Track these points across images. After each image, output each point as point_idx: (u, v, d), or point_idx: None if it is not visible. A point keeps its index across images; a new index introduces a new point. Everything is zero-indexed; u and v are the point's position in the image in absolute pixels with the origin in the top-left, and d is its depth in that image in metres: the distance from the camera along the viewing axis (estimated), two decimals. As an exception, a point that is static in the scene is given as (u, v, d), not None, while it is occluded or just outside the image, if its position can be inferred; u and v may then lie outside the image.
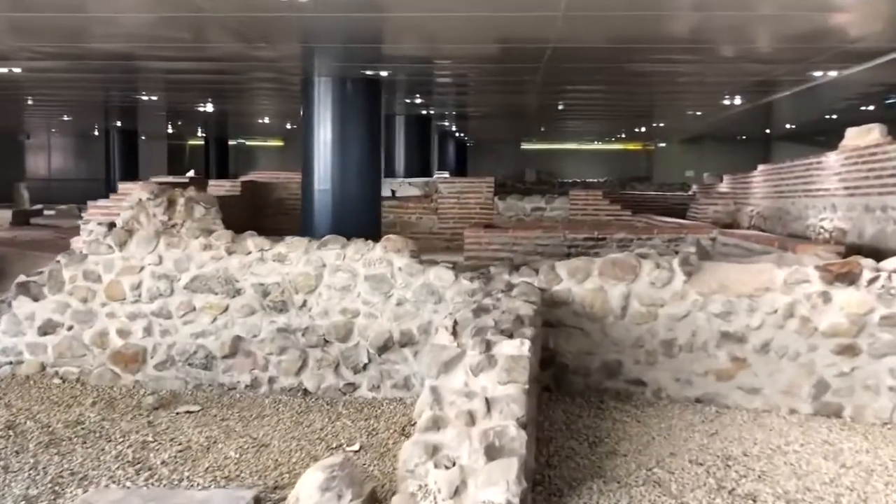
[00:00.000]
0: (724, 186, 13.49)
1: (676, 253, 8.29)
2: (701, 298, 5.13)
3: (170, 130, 24.29)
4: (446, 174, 17.68)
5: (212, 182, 13.64)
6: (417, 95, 12.58)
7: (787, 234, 9.25)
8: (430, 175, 15.01)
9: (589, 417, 4.92)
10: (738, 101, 12.32)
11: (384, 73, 9.01)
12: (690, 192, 16.65)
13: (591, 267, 5.29)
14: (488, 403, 3.59)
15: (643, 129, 22.53)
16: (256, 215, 12.75)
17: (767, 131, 27.00)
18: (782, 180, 9.80)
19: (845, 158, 7.81)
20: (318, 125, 9.29)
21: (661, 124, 20.54)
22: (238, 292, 5.65)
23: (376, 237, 10.03)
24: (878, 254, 6.93)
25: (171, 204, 5.73)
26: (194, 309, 5.70)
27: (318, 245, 5.60)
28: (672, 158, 32.66)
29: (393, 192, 13.11)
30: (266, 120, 18.63)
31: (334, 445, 4.63)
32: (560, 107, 14.53)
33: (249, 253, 5.66)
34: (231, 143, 31.21)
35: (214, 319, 5.68)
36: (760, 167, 11.15)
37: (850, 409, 4.98)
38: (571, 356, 5.31)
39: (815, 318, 4.98)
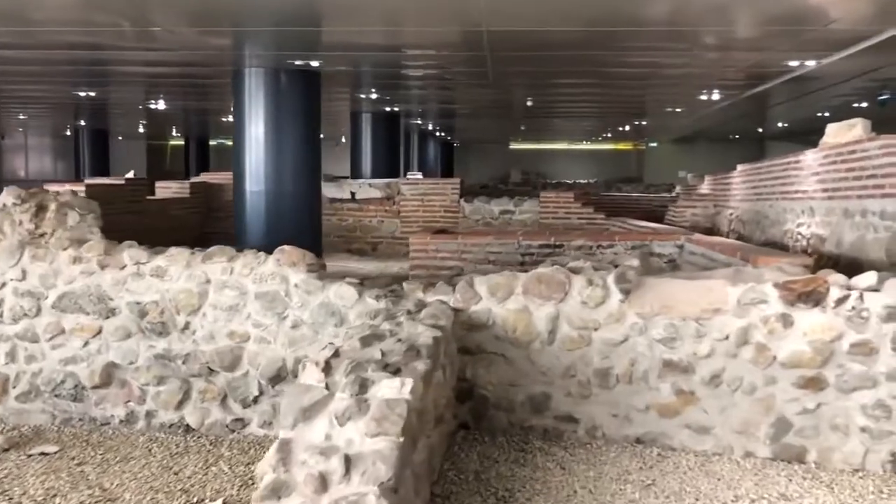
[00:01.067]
0: (704, 187, 12.72)
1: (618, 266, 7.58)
2: (641, 321, 4.37)
3: (140, 130, 23.49)
4: (419, 175, 16.89)
5: (159, 184, 12.90)
6: (373, 90, 11.82)
7: (765, 241, 8.49)
8: (398, 176, 14.23)
9: (506, 463, 4.17)
10: (716, 95, 11.54)
11: (315, 63, 8.22)
12: (674, 194, 15.87)
13: (513, 284, 4.53)
14: (348, 462, 2.84)
15: (628, 128, 21.74)
16: (207, 219, 12.00)
17: (760, 130, 26.26)
18: (761, 181, 9.03)
19: (823, 157, 7.04)
20: (250, 121, 8.49)
21: (645, 122, 19.75)
22: (112, 312, 4.89)
23: (316, 243, 9.40)
24: (856, 265, 6.16)
25: (41, 210, 4.96)
26: (63, 331, 4.94)
27: (203, 258, 4.83)
28: (663, 158, 31.92)
29: (352, 193, 12.35)
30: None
31: (195, 501, 3.87)
32: (529, 103, 13.76)
33: (124, 267, 4.90)
34: (212, 143, 30.46)
35: (86, 343, 4.92)
36: (739, 167, 10.39)
37: (814, 453, 4.22)
38: (493, 388, 4.55)
39: (774, 345, 4.22)
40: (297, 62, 8.07)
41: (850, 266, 6.04)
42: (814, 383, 4.19)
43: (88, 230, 5.04)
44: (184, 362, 4.79)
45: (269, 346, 4.76)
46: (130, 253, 4.90)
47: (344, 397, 3.19)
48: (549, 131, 25.97)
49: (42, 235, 5.01)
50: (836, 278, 4.33)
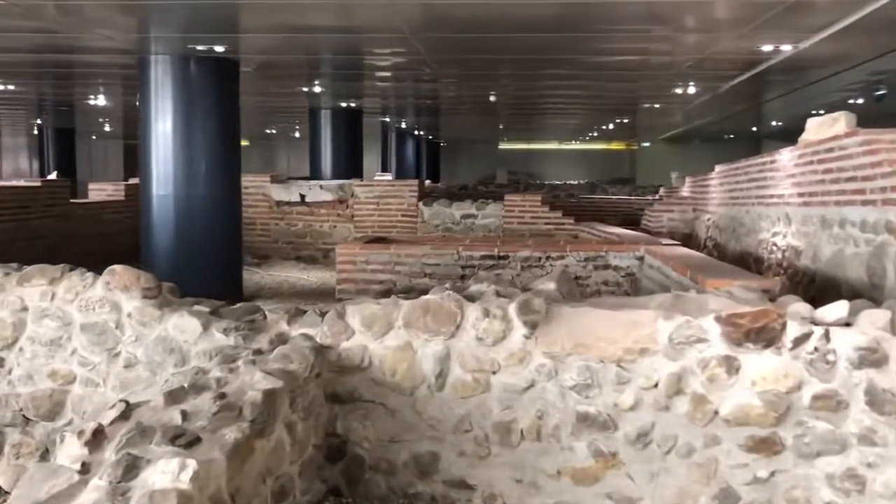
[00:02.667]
0: (684, 190, 11.80)
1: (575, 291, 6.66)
2: (550, 362, 3.46)
3: (107, 129, 22.57)
4: (388, 176, 15.98)
5: (91, 185, 12.00)
6: (316, 83, 10.89)
7: (740, 252, 7.57)
8: (361, 176, 13.30)
9: (378, 545, 3.26)
10: (692, 89, 10.61)
11: (219, 49, 7.29)
12: (657, 196, 14.92)
13: (393, 315, 3.61)
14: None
15: (612, 126, 20.76)
16: (145, 224, 11.05)
17: (755, 129, 25.33)
18: (737, 184, 8.11)
19: (799, 157, 6.11)
20: (156, 116, 7.54)
21: (627, 120, 18.79)
22: (-89, 346, 3.98)
23: (235, 255, 8.43)
24: (834, 285, 5.24)
25: None
26: None
27: (18, 279, 3.92)
28: (656, 159, 30.92)
29: (302, 196, 11.41)
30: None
31: None
32: (492, 98, 12.82)
33: (-75, 290, 3.99)
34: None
35: None
36: (718, 167, 9.46)
37: (767, 535, 3.30)
38: (370, 445, 3.64)
39: (716, 396, 3.31)
40: (216, 48, 7.12)
41: (828, 286, 5.12)
42: (766, 446, 3.27)
43: None
44: (-7, 409, 3.88)
45: (98, 389, 3.85)
46: (-67, 273, 3.99)
47: (101, 486, 2.30)
48: (533, 130, 25.05)
49: None
50: (796, 309, 3.42)
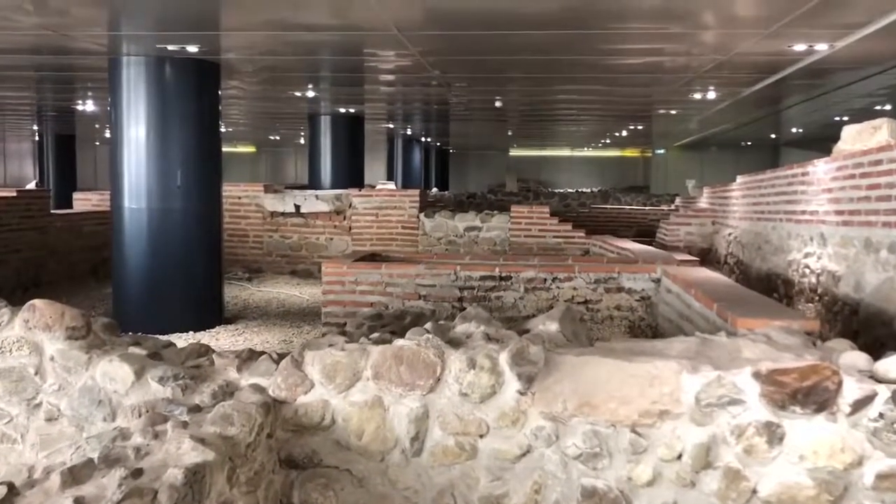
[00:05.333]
0: (702, 201, 11.13)
1: (586, 318, 6.04)
2: (549, 425, 2.84)
3: (107, 135, 22.05)
4: (391, 185, 15.37)
5: (76, 195, 11.45)
6: (310, 87, 10.30)
7: (766, 272, 6.90)
8: (361, 185, 12.70)
9: None
10: (711, 94, 9.93)
11: (192, 49, 6.67)
12: (673, 206, 14.26)
13: (360, 364, 2.99)
14: None
15: (625, 133, 20.07)
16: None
17: (774, 136, 24.58)
18: (762, 197, 7.44)
19: (837, 169, 5.45)
20: (128, 122, 6.92)
21: (641, 126, 18.10)
22: None
23: (213, 274, 7.77)
24: (882, 319, 4.57)
25: None
26: None
27: (-78, 316, 3.32)
28: (671, 166, 30.22)
29: (297, 206, 10.81)
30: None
31: None
32: (498, 104, 12.20)
33: None
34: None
35: None
36: (740, 178, 8.79)
37: None
38: (332, 520, 3.01)
39: (754, 471, 2.67)
40: (188, 48, 6.50)
41: (874, 320, 4.45)
42: (818, 535, 2.63)
43: None
44: None
45: (15, 447, 3.24)
46: None
47: None
48: (544, 137, 24.37)
49: None
50: (852, 361, 2.79)
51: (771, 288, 6.60)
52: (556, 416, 2.83)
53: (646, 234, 12.34)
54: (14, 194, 8.98)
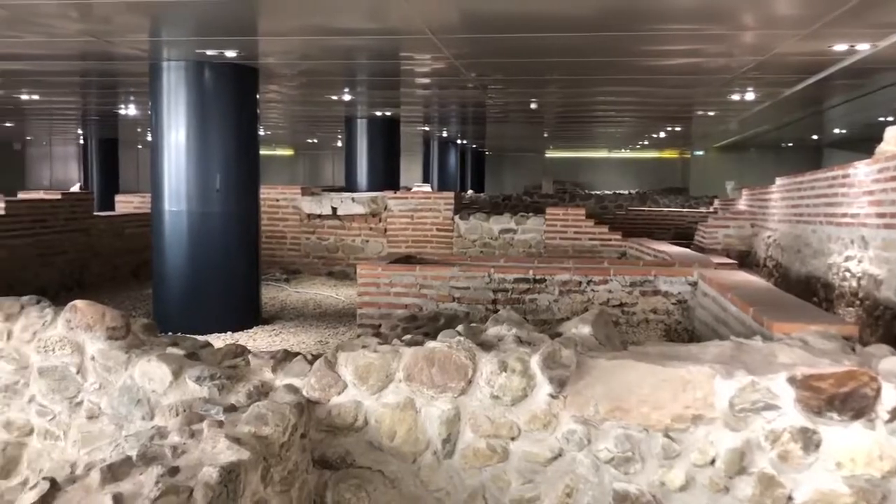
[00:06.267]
0: (741, 203, 10.97)
1: (621, 321, 5.99)
2: (581, 428, 2.83)
3: (149, 139, 22.44)
4: (427, 187, 15.41)
5: (118, 198, 11.68)
6: (346, 90, 10.38)
7: (805, 276, 6.79)
8: (397, 188, 12.76)
9: None
10: (750, 95, 9.79)
11: (230, 54, 6.77)
12: (712, 209, 14.08)
13: (392, 366, 3.02)
14: None
15: (663, 135, 19.86)
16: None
17: (816, 137, 24.12)
18: (801, 199, 7.32)
19: (879, 171, 5.34)
20: (168, 126, 7.05)
21: (679, 128, 17.89)
22: None
23: (253, 271, 7.92)
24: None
25: None
26: None
27: (-30, 316, 3.43)
28: (710, 168, 29.81)
29: (334, 209, 10.90)
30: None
31: None
32: (533, 105, 12.16)
33: None
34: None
35: None
36: (779, 180, 8.65)
37: None
38: (366, 520, 3.04)
39: (789, 478, 2.64)
40: (227, 53, 6.60)
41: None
42: (855, 543, 2.59)
43: None
44: (-60, 464, 3.39)
45: (57, 443, 3.33)
46: None
47: None
48: (580, 138, 24.22)
49: None
50: (891, 367, 2.74)
51: (810, 292, 6.50)
52: (587, 419, 2.83)
53: (684, 236, 12.22)
54: (59, 197, 9.20)
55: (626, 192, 25.19)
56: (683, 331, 6.18)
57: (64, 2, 5.45)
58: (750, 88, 9.28)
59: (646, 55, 7.35)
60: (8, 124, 19.14)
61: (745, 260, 9.47)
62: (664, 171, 32.01)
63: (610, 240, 10.03)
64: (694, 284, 6.03)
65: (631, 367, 2.90)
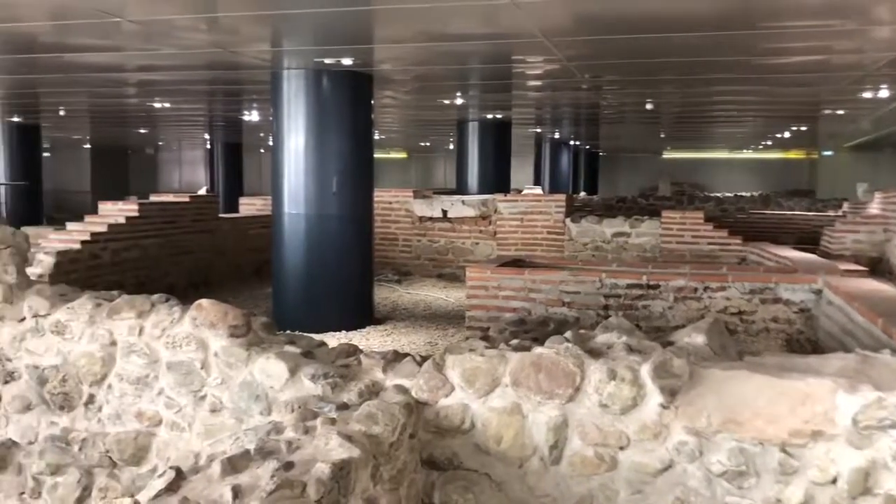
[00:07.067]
0: (874, 206, 10.36)
1: (739, 330, 5.77)
2: (693, 440, 2.76)
3: (271, 143, 23.33)
4: (538, 189, 15.34)
5: (242, 200, 12.19)
6: (458, 94, 10.46)
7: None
8: (507, 190, 12.78)
9: None
10: (884, 92, 9.22)
11: (346, 62, 6.94)
12: (840, 213, 13.36)
13: (498, 371, 3.04)
14: None
15: (787, 135, 18.97)
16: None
17: (957, 136, 22.43)
18: (941, 203, 6.84)
19: None
20: (288, 132, 7.34)
21: (805, 128, 17.04)
22: (11, 376, 3.86)
23: (367, 272, 8.12)
24: None
25: (-48, 244, 4.02)
26: (-39, 397, 3.96)
27: (108, 311, 3.68)
28: (840, 169, 28.20)
29: (444, 212, 11.02)
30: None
31: None
32: (648, 106, 11.86)
33: (23, 319, 3.85)
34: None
35: (-16, 414, 3.91)
36: (916, 183, 8.11)
37: None
38: (472, 522, 3.07)
39: (919, 501, 2.48)
40: (343, 61, 6.82)
41: None
42: None
43: (2, 269, 4.02)
44: (81, 448, 3.66)
45: (183, 434, 3.53)
46: (31, 302, 3.84)
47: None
48: (699, 139, 23.48)
49: (-52, 275, 4.05)
50: None
51: (950, 302, 6.05)
52: (699, 431, 2.76)
53: (809, 241, 11.65)
54: (187, 199, 9.73)
55: (749, 194, 24.19)
56: (806, 341, 5.90)
57: (195, 16, 5.77)
58: (884, 86, 8.75)
59: (767, 53, 7.06)
60: (142, 131, 20.35)
61: (877, 267, 8.93)
62: (789, 173, 30.56)
63: (729, 244, 9.69)
64: (818, 292, 5.75)
65: (746, 378, 2.81)
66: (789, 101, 11.33)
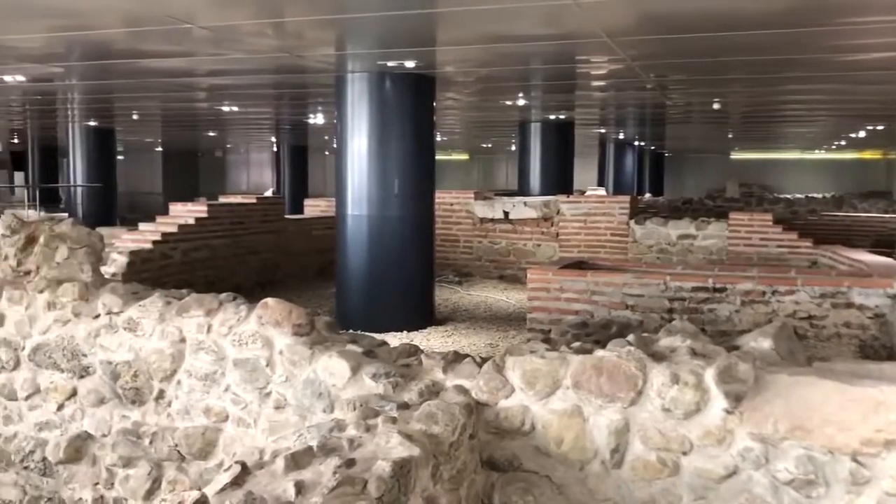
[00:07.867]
0: (954, 209, 9.94)
1: (809, 335, 5.60)
2: (758, 446, 2.71)
3: (335, 146, 23.67)
4: (601, 191, 15.18)
5: (307, 202, 12.38)
6: (520, 95, 10.43)
7: None
8: (570, 191, 12.68)
9: None
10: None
11: (409, 64, 6.99)
12: (918, 215, 12.87)
13: (559, 373, 3.02)
14: None
15: (863, 134, 18.34)
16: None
17: None
18: None
19: None
20: (352, 135, 7.44)
21: (880, 126, 16.44)
22: (86, 371, 4.01)
23: (426, 277, 8.14)
24: None
25: (30, 242, 4.20)
26: (39, 390, 4.13)
27: (178, 309, 3.80)
28: (920, 169, 27.19)
29: (506, 213, 11.00)
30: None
31: None
32: (715, 106, 11.61)
33: (97, 316, 3.99)
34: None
35: (61, 407, 4.08)
36: None
37: None
38: (532, 524, 3.07)
39: None
40: (406, 63, 6.87)
41: None
42: None
43: (79, 268, 4.19)
44: (151, 441, 3.78)
45: (248, 430, 3.61)
46: (106, 299, 3.98)
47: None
48: (769, 139, 22.90)
49: (28, 273, 4.23)
50: None
51: None
52: (765, 437, 2.69)
53: (885, 244, 11.26)
54: (254, 201, 9.95)
55: (821, 195, 23.48)
56: (881, 347, 5.70)
57: (262, 21, 5.90)
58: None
59: (840, 50, 6.84)
60: (211, 134, 20.88)
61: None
62: (865, 174, 29.53)
63: (799, 247, 9.43)
64: (894, 297, 5.55)
65: (814, 384, 2.73)
66: (864, 100, 10.96)
